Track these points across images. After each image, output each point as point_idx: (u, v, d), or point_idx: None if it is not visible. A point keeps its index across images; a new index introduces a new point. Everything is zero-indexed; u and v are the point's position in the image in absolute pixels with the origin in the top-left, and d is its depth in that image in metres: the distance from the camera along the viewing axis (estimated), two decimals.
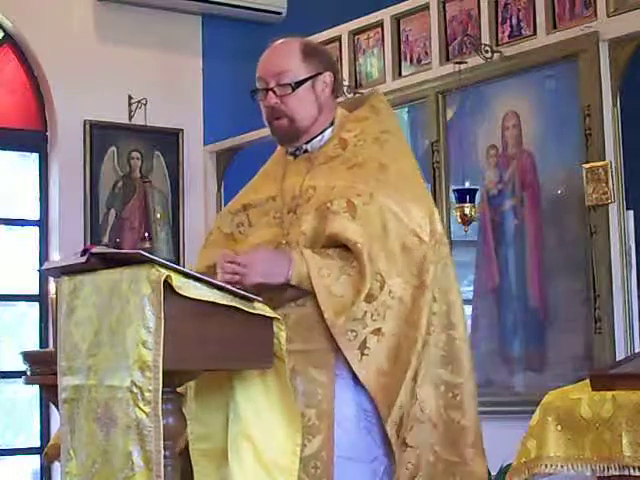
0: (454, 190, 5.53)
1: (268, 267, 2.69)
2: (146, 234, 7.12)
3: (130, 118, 7.27)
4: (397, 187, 2.77)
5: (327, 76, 2.91)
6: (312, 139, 2.92)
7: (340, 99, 3.13)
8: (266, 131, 8.13)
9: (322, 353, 2.67)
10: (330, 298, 2.67)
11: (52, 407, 6.15)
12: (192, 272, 2.45)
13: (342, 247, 2.71)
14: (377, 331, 2.68)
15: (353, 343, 2.66)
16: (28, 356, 4.37)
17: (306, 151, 2.93)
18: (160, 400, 2.37)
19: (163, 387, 2.38)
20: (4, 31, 7.04)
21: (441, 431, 2.77)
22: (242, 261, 2.67)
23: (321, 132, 2.92)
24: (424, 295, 2.72)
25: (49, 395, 4.38)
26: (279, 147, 3.03)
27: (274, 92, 2.86)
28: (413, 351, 2.70)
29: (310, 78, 2.88)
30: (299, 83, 2.86)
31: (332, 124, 2.93)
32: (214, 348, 2.46)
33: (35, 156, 7.17)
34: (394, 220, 2.73)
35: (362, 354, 2.66)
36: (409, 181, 2.83)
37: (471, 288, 5.74)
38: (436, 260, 2.76)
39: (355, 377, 2.69)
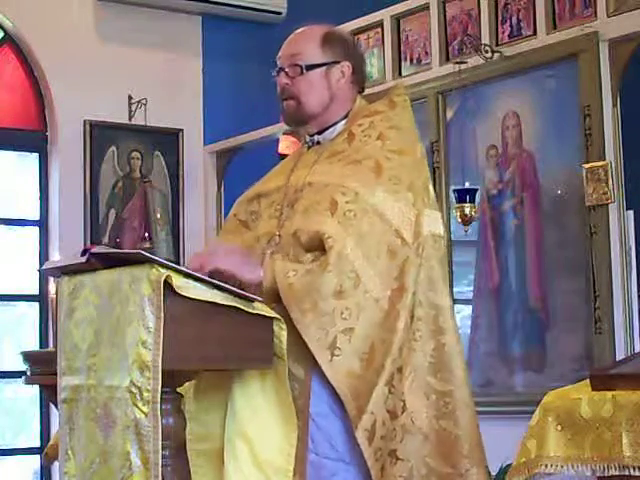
0: (454, 190, 5.53)
1: (235, 257, 2.68)
2: (146, 234, 7.13)
3: (130, 118, 7.27)
4: (387, 187, 2.71)
5: (345, 66, 2.89)
6: (324, 130, 2.91)
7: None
8: (266, 131, 8.07)
9: (300, 347, 2.61)
10: (292, 294, 2.60)
11: (52, 407, 6.15)
12: (192, 272, 2.45)
13: (322, 250, 2.66)
14: (348, 331, 2.60)
15: (322, 343, 2.58)
16: (28, 356, 4.37)
17: (318, 142, 2.92)
18: (159, 400, 2.37)
19: (162, 387, 2.38)
20: (4, 31, 7.05)
21: (433, 442, 2.66)
22: (207, 251, 2.70)
23: (334, 124, 2.90)
24: (403, 298, 2.64)
25: (49, 395, 4.37)
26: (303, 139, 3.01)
27: (286, 73, 2.88)
28: (388, 356, 2.61)
29: (324, 64, 2.87)
30: (311, 67, 2.85)
31: (347, 116, 2.91)
32: (214, 348, 2.46)
33: (35, 156, 7.17)
34: (378, 220, 2.66)
35: (332, 354, 2.58)
36: (401, 181, 2.74)
37: (471, 288, 5.74)
38: (419, 262, 2.69)
39: None
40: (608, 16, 5.08)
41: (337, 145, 2.85)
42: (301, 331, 2.60)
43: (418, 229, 2.70)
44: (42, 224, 7.09)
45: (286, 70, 2.88)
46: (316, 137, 2.93)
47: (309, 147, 2.95)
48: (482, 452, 2.74)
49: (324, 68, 2.87)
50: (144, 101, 7.20)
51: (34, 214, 7.11)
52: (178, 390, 2.54)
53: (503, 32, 5.62)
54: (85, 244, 6.72)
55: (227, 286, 2.49)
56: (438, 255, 2.76)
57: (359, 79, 2.95)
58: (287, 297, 2.62)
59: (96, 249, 2.55)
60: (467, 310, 5.75)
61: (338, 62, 2.89)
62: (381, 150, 2.78)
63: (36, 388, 5.17)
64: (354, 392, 2.60)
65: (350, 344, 2.60)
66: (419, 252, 2.69)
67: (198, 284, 2.43)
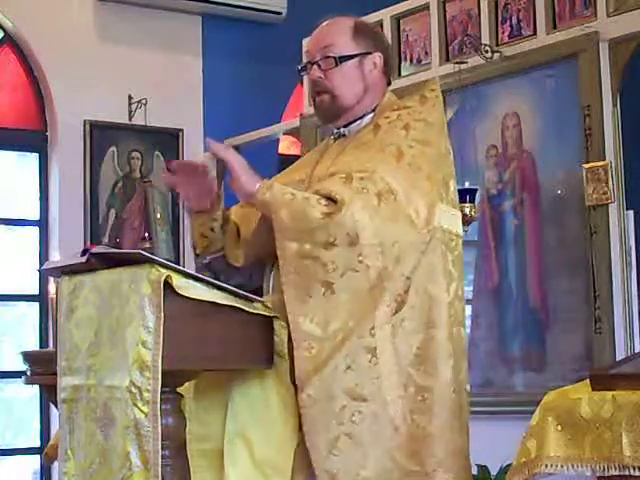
0: None
1: (244, 164, 2.70)
2: (146, 234, 7.12)
3: (130, 118, 7.27)
4: (406, 174, 2.65)
5: (377, 57, 2.87)
6: (351, 122, 2.86)
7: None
8: (266, 131, 8.06)
9: None
10: (287, 212, 2.55)
11: (52, 407, 6.14)
12: (192, 272, 2.45)
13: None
14: (328, 284, 2.53)
15: (298, 290, 2.51)
16: (28, 356, 4.37)
17: (344, 135, 2.88)
18: (159, 400, 2.37)
19: (162, 387, 2.38)
20: (4, 31, 7.04)
21: (403, 436, 2.57)
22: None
23: (361, 116, 2.86)
24: (394, 278, 2.56)
25: (49, 395, 4.37)
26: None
27: (319, 65, 2.83)
28: (354, 332, 2.51)
29: (358, 55, 2.83)
30: (344, 58, 2.81)
31: (374, 109, 2.86)
32: (214, 348, 2.46)
33: (35, 156, 7.16)
34: (390, 198, 2.59)
35: (302, 301, 2.51)
36: (421, 170, 2.68)
37: (471, 288, 5.74)
38: (422, 250, 2.62)
39: None
40: (608, 16, 5.08)
41: (363, 136, 2.81)
42: (281, 265, 2.55)
43: (429, 218, 2.64)
44: (42, 224, 7.09)
45: (319, 63, 2.83)
46: (342, 129, 2.89)
47: (335, 139, 2.91)
48: (458, 458, 2.65)
49: (357, 59, 2.84)
50: (144, 101, 7.20)
51: (34, 214, 7.11)
52: (178, 390, 2.54)
53: (503, 32, 5.62)
54: (85, 244, 6.72)
55: (227, 286, 2.49)
56: (452, 253, 2.71)
57: (388, 71, 2.92)
58: (277, 224, 2.56)
59: (96, 249, 2.55)
60: (467, 310, 5.75)
61: (370, 53, 2.86)
62: (405, 139, 2.73)
63: (36, 388, 5.17)
64: (310, 353, 2.52)
65: (325, 299, 2.53)
66: (425, 240, 2.63)
67: (198, 284, 2.43)
